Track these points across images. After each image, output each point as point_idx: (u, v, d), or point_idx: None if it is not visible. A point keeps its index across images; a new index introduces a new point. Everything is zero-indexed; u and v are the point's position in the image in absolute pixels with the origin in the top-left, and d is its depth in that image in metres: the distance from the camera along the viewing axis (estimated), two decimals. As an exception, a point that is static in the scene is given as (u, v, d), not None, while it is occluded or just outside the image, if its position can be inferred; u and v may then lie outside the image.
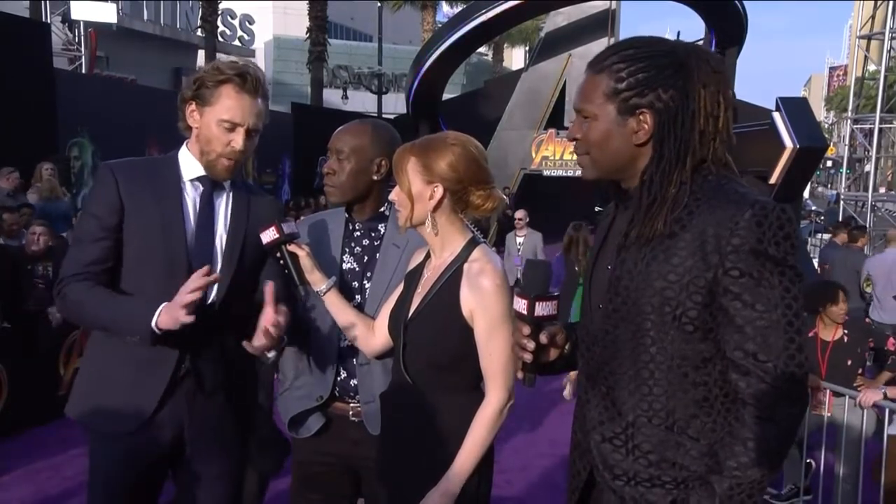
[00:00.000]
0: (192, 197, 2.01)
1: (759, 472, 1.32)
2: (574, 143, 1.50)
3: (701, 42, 18.61)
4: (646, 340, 1.39)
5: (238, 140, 1.96)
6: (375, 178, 2.13)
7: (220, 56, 18.75)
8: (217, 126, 1.94)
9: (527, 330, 1.46)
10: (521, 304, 1.47)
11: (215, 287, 1.98)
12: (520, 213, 8.18)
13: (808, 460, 4.50)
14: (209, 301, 1.98)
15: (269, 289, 1.91)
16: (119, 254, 1.95)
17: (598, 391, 1.49)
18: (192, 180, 2.02)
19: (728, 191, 1.36)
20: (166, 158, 2.07)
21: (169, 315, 1.81)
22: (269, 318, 1.88)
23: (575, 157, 1.55)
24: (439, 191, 1.83)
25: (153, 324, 1.82)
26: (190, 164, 2.02)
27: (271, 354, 1.94)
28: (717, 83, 1.39)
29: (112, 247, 1.94)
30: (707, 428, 1.38)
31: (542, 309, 1.46)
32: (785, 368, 1.30)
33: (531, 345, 1.46)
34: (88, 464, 2.04)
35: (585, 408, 1.53)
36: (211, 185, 2.03)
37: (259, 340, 1.89)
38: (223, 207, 2.05)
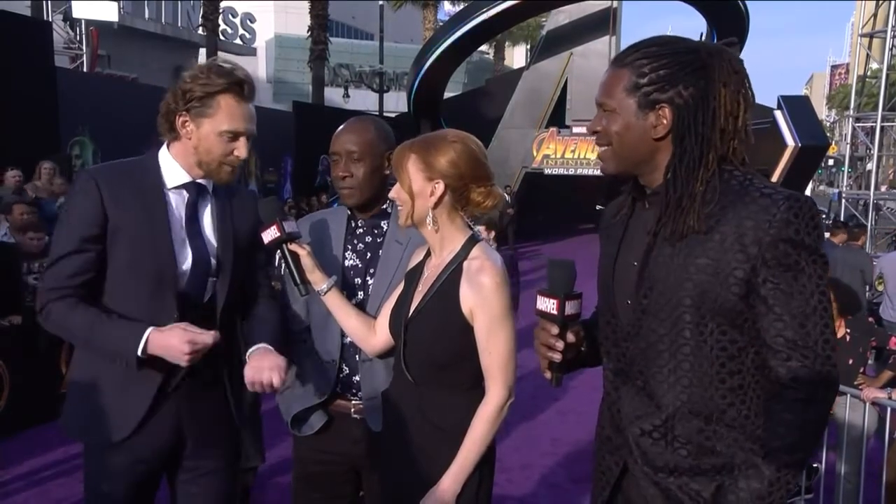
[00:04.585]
0: (176, 205, 1.95)
1: (803, 454, 1.37)
2: (595, 135, 1.53)
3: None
4: (685, 333, 1.42)
5: (242, 149, 1.93)
6: (387, 172, 2.12)
7: (221, 54, 18.71)
8: (218, 137, 1.90)
9: (555, 329, 1.51)
10: (549, 304, 1.50)
11: (213, 289, 1.98)
12: None
13: (815, 464, 4.48)
14: (205, 300, 1.98)
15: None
16: (101, 265, 1.89)
17: (631, 386, 1.51)
18: (175, 188, 1.96)
19: (757, 185, 1.41)
20: (146, 163, 1.97)
21: (160, 345, 1.79)
22: (263, 373, 1.90)
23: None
24: (440, 187, 1.83)
25: (139, 351, 1.80)
26: (173, 171, 1.96)
27: None
28: (738, 83, 1.43)
29: (93, 258, 1.87)
30: (742, 415, 1.43)
31: (570, 308, 1.50)
32: (822, 353, 1.36)
33: (560, 344, 1.50)
34: (84, 474, 2.02)
35: (618, 404, 1.55)
36: (196, 193, 1.98)
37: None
38: (208, 213, 2.01)
